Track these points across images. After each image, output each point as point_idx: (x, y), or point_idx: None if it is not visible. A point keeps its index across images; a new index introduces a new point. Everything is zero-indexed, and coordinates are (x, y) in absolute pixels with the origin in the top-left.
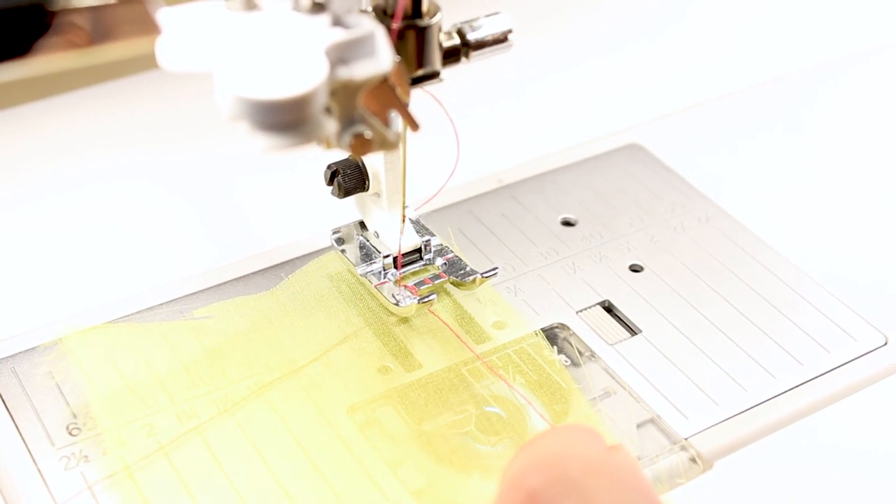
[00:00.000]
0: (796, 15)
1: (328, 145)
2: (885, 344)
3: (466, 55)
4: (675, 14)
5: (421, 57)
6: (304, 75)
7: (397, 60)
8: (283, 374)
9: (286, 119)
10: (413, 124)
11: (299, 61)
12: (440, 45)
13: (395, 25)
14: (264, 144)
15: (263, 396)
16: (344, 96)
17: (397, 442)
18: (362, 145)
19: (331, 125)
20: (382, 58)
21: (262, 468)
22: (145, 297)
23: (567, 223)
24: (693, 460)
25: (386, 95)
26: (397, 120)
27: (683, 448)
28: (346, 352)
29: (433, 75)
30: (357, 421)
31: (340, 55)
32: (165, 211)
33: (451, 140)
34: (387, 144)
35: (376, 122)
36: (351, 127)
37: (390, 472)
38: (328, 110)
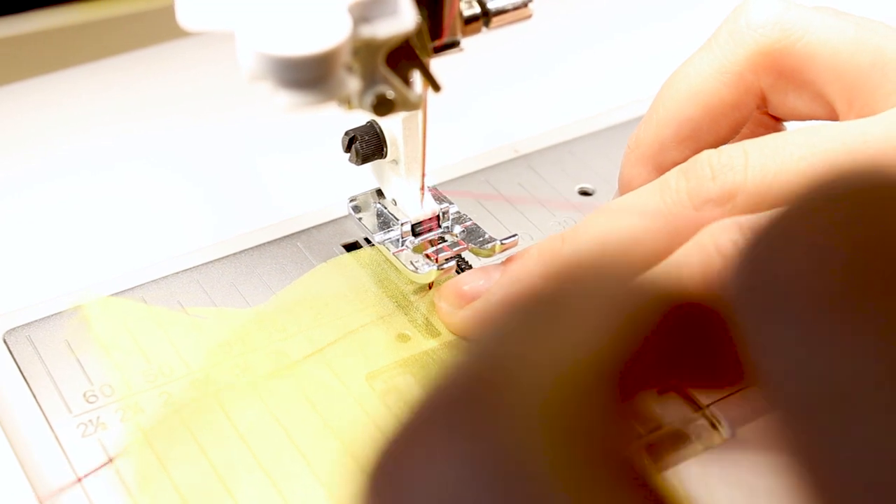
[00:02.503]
0: None
1: (350, 106)
2: None
3: (486, 24)
4: None
5: (442, 26)
6: (328, 32)
7: (419, 21)
8: (303, 347)
9: (310, 76)
10: (435, 85)
11: (323, 18)
12: (460, 13)
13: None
14: (287, 102)
15: (281, 363)
16: (366, 55)
17: None
18: (385, 105)
19: (353, 83)
20: (405, 17)
21: (279, 433)
22: (161, 267)
23: (585, 193)
24: (715, 427)
25: (408, 56)
26: (419, 81)
27: (705, 415)
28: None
29: (453, 44)
30: (376, 388)
31: (363, 13)
32: (179, 183)
33: (469, 109)
34: (409, 105)
35: (398, 82)
36: (373, 87)
37: None
38: (350, 69)
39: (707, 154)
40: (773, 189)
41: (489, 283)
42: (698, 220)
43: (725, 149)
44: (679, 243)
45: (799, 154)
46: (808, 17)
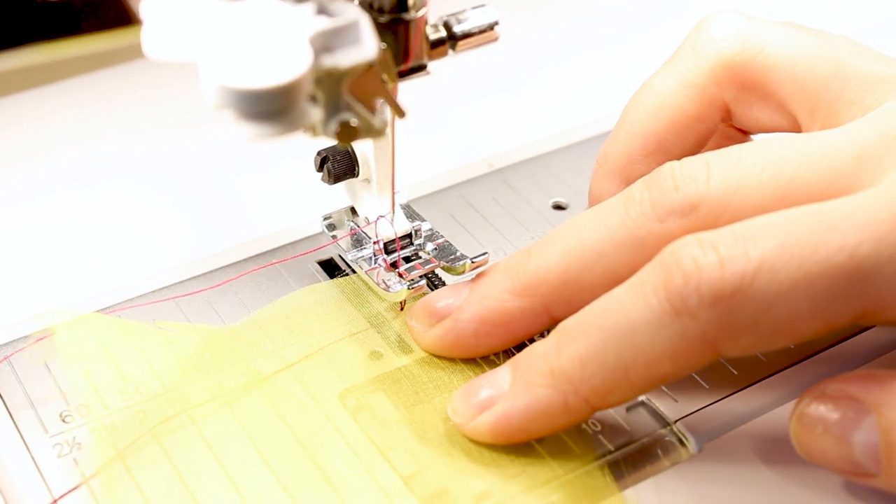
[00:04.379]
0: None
1: (314, 133)
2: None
3: (453, 47)
4: (667, 1)
5: (408, 50)
6: (289, 64)
7: (383, 48)
8: (277, 363)
9: (271, 108)
10: (399, 111)
11: (284, 50)
12: (427, 37)
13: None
14: (250, 133)
15: (256, 382)
16: (329, 84)
17: (389, 427)
18: (348, 133)
19: (316, 113)
20: (367, 45)
21: (253, 453)
22: (137, 286)
23: (559, 207)
24: (682, 443)
25: (372, 83)
26: (384, 107)
27: (673, 431)
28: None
29: (420, 68)
30: (349, 406)
31: (325, 43)
32: (154, 201)
33: (442, 126)
34: (373, 132)
35: (362, 110)
36: (336, 115)
37: (382, 457)
38: (313, 98)
39: (670, 166)
40: (736, 200)
41: (459, 300)
42: (662, 233)
43: (688, 160)
44: (643, 255)
45: (761, 165)
46: (769, 31)
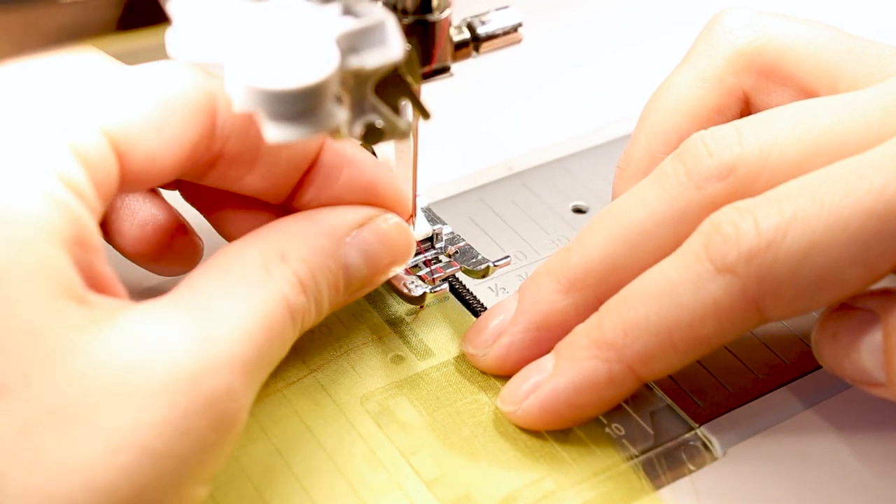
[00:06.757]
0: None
1: (339, 135)
2: None
3: (476, 49)
4: (685, 4)
5: (432, 52)
6: (316, 65)
7: (408, 49)
8: (298, 367)
9: (299, 108)
10: (424, 113)
11: (310, 51)
12: (450, 39)
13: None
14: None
15: (276, 385)
16: (355, 85)
17: (411, 431)
18: (374, 134)
19: (342, 114)
20: (393, 47)
21: (273, 454)
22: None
23: (578, 210)
24: (707, 447)
25: (397, 84)
26: (408, 109)
27: (697, 435)
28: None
29: (444, 70)
30: (370, 410)
31: (351, 44)
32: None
33: (461, 129)
34: (398, 133)
35: (387, 112)
36: (362, 116)
37: (404, 461)
38: (339, 100)
39: (699, 135)
40: (772, 159)
41: (509, 315)
42: (702, 200)
43: (716, 128)
44: (687, 227)
45: (791, 123)
46: (780, 21)
